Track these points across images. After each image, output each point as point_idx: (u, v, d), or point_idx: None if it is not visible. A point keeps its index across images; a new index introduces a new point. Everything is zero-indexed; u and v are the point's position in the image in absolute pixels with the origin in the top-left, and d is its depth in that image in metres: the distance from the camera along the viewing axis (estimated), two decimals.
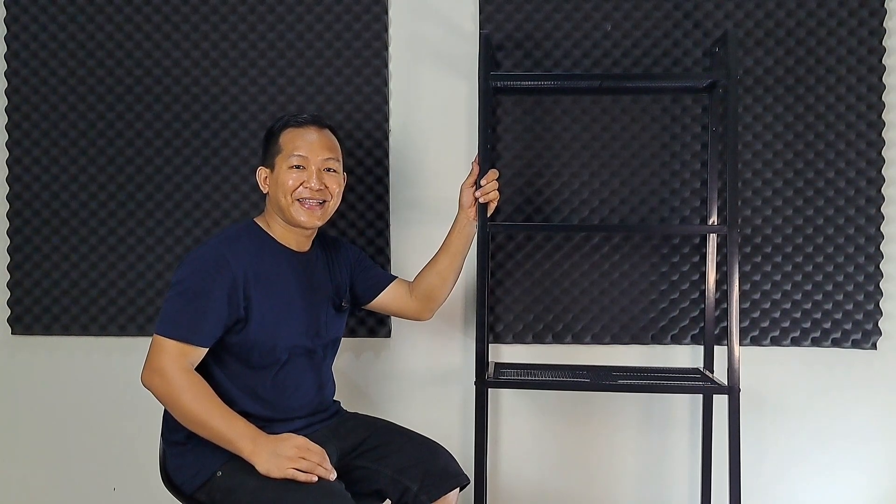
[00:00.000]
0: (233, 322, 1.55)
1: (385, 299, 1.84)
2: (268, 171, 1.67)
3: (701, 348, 2.05)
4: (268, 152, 1.68)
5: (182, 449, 1.57)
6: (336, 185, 1.68)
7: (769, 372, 2.08)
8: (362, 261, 1.85)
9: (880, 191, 2.01)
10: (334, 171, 1.68)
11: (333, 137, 1.70)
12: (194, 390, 1.48)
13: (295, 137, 1.64)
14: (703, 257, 2.04)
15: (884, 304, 2.03)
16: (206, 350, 1.53)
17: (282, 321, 1.60)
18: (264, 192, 1.68)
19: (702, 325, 2.05)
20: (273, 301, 1.59)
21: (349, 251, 1.84)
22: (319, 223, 1.67)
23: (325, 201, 1.66)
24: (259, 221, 1.69)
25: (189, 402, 1.48)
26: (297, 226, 1.65)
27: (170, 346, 1.49)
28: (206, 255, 1.56)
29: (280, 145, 1.65)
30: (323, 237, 1.81)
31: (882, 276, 2.03)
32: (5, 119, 2.15)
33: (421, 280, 1.84)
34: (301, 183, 1.62)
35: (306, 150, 1.63)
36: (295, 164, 1.63)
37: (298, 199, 1.63)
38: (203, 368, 1.55)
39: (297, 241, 1.69)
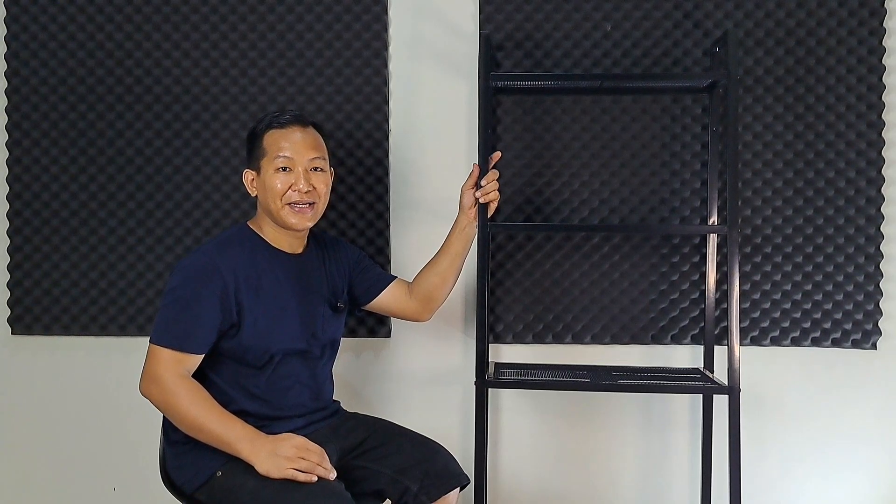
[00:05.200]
0: (226, 328, 1.55)
1: (384, 300, 1.83)
2: (254, 173, 1.65)
3: (701, 348, 2.05)
4: (252, 154, 1.66)
5: (182, 449, 1.57)
6: (324, 184, 1.66)
7: (769, 372, 2.08)
8: (361, 261, 1.85)
9: (880, 191, 2.01)
10: (321, 169, 1.66)
11: (318, 134, 1.68)
12: (191, 396, 1.49)
13: (279, 139, 1.62)
14: (703, 257, 2.04)
15: (884, 304, 2.03)
16: (201, 357, 1.54)
17: (275, 325, 1.60)
18: (252, 195, 1.67)
19: (702, 325, 2.05)
20: (266, 305, 1.59)
21: (348, 251, 1.84)
22: (310, 224, 1.66)
23: (314, 203, 1.64)
24: (251, 225, 1.69)
25: (186, 408, 1.48)
26: (289, 228, 1.65)
27: (165, 354, 1.50)
28: (197, 262, 1.56)
29: (264, 147, 1.63)
30: (320, 237, 1.81)
31: (882, 276, 2.03)
32: (5, 119, 2.15)
33: (420, 280, 1.84)
34: (289, 186, 1.61)
35: (291, 151, 1.61)
36: (281, 166, 1.61)
37: (288, 203, 1.61)
38: (198, 370, 1.55)
39: (290, 243, 1.69)
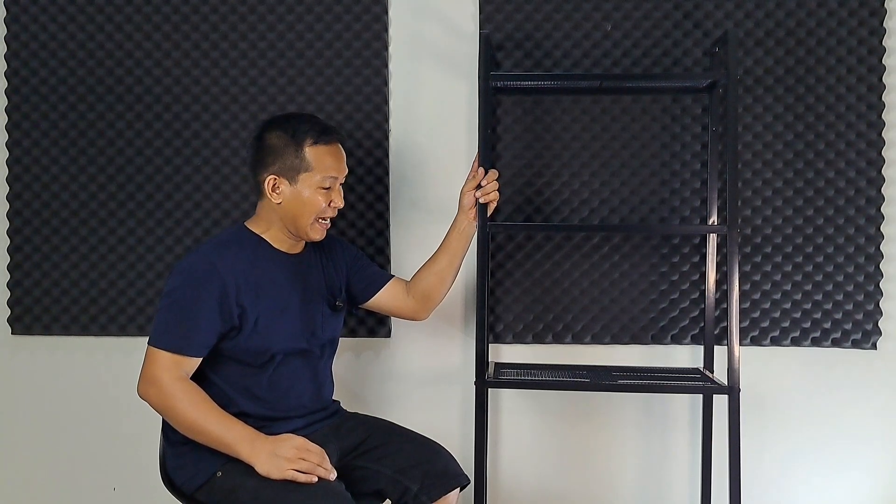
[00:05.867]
0: (227, 330, 1.55)
1: (382, 298, 1.83)
2: (283, 181, 1.59)
3: (701, 348, 2.05)
4: (286, 163, 1.58)
5: (182, 449, 1.57)
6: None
7: (769, 372, 2.08)
8: (359, 259, 1.85)
9: (880, 191, 2.01)
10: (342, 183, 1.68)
11: None
12: (190, 398, 1.49)
13: (328, 156, 1.61)
14: (703, 257, 2.04)
15: (884, 304, 2.03)
16: (199, 359, 1.53)
17: (276, 326, 1.60)
18: (276, 202, 1.61)
19: (702, 325, 2.05)
20: (267, 306, 1.59)
21: (346, 250, 1.84)
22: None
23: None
24: (250, 225, 1.67)
25: (185, 410, 1.48)
26: (308, 240, 1.66)
27: (163, 357, 1.50)
28: (196, 264, 1.55)
29: (308, 161, 1.58)
30: None
31: (882, 276, 2.03)
32: (5, 119, 2.15)
33: (419, 280, 1.84)
34: (329, 202, 1.62)
35: (338, 170, 1.63)
36: (328, 185, 1.61)
37: (320, 218, 1.63)
38: (199, 371, 1.55)
39: (290, 244, 1.69)
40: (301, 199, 1.60)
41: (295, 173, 1.60)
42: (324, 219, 1.64)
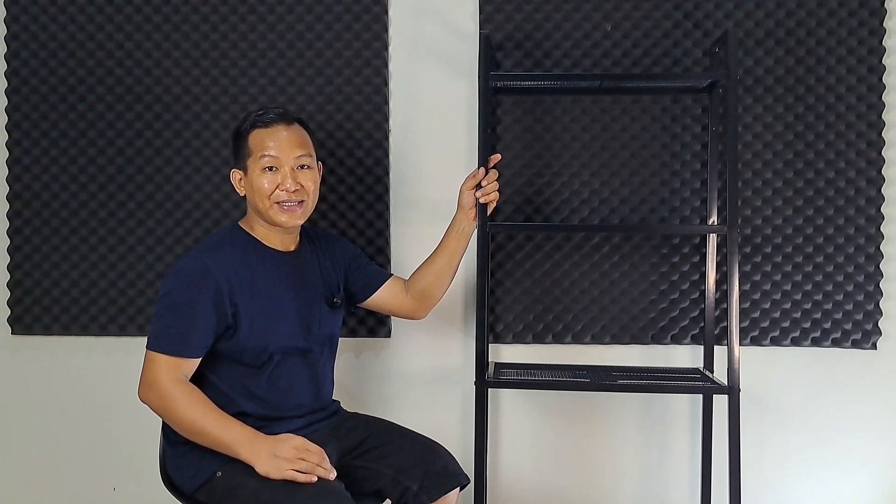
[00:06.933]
0: (222, 330, 1.55)
1: (381, 297, 1.83)
2: (241, 173, 1.64)
3: (701, 348, 2.05)
4: (238, 154, 1.65)
5: (182, 449, 1.57)
6: (311, 181, 1.65)
7: (769, 372, 2.08)
8: (358, 258, 1.84)
9: (880, 191, 2.01)
10: (308, 166, 1.65)
11: (303, 131, 1.66)
12: (189, 400, 1.49)
13: (264, 138, 1.61)
14: (703, 257, 2.04)
15: (884, 304, 2.03)
16: (198, 361, 1.54)
17: (272, 324, 1.60)
18: (241, 194, 1.66)
19: (702, 325, 2.05)
20: (261, 305, 1.59)
21: (344, 248, 1.84)
22: (300, 221, 1.65)
23: (303, 201, 1.64)
24: (242, 224, 1.68)
25: (184, 412, 1.49)
26: (279, 226, 1.64)
27: (162, 360, 1.50)
28: (190, 266, 1.56)
29: (249, 147, 1.61)
30: (312, 233, 1.80)
31: (882, 276, 2.03)
32: (5, 119, 2.15)
33: (417, 279, 1.84)
34: (277, 185, 1.60)
35: (277, 150, 1.60)
36: (267, 165, 1.60)
37: (277, 202, 1.61)
38: (198, 373, 1.56)
39: (282, 241, 1.68)
40: (252, 186, 1.62)
41: (244, 161, 1.63)
42: (283, 203, 1.61)
